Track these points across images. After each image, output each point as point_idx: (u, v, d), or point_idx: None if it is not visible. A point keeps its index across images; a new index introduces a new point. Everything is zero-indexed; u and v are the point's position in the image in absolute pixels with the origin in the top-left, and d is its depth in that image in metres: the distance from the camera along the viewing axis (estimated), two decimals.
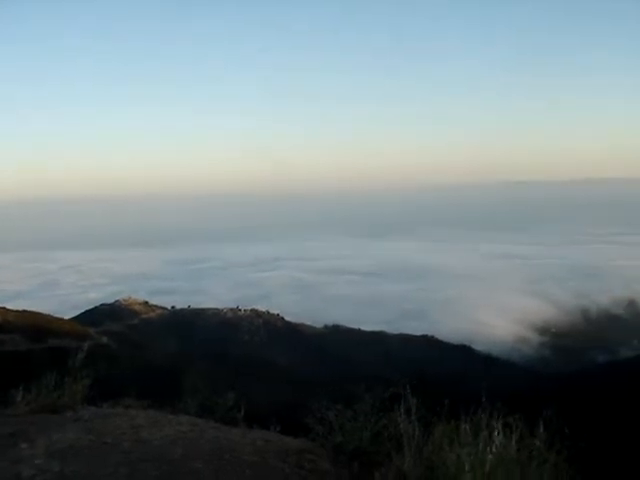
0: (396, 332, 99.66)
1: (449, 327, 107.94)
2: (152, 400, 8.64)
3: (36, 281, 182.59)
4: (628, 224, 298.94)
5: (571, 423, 5.78)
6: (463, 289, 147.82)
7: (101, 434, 6.14)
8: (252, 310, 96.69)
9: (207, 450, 5.78)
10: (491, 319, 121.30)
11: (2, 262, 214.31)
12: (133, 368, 49.87)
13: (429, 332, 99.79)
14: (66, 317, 74.08)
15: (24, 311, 61.31)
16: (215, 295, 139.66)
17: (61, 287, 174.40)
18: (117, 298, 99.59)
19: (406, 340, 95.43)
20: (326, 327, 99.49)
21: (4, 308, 59.34)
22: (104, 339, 63.90)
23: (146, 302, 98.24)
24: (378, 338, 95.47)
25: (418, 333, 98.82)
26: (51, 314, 66.73)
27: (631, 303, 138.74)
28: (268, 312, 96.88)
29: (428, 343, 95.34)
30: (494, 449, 5.07)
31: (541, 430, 5.12)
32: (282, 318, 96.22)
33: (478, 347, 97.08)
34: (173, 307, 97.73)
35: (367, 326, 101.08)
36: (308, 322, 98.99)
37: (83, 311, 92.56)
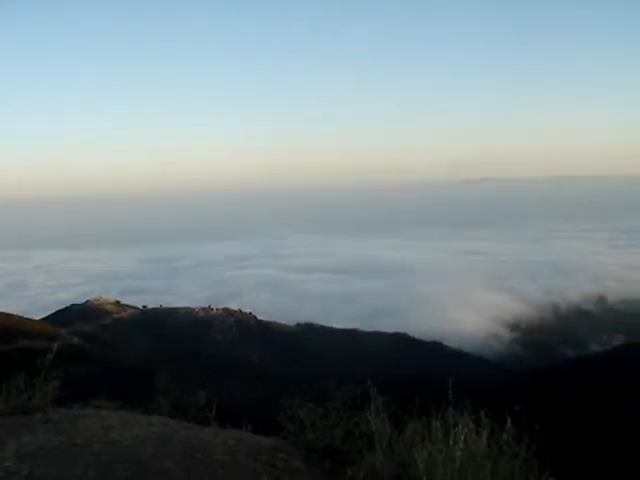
0: (369, 330, 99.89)
1: (421, 324, 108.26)
2: (124, 400, 8.60)
3: (6, 281, 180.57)
4: (597, 220, 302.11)
5: (541, 418, 5.82)
6: (435, 286, 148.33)
7: (71, 436, 6.09)
8: (224, 309, 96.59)
9: (178, 450, 5.75)
10: (462, 316, 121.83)
11: None
12: (104, 368, 49.55)
13: (401, 329, 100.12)
14: (37, 318, 73.49)
15: None
16: (187, 294, 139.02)
17: (31, 287, 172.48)
18: (88, 298, 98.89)
19: (379, 337, 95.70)
20: (298, 325, 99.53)
21: None
22: (75, 339, 63.40)
23: (117, 302, 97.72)
24: (351, 336, 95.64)
25: (390, 330, 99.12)
26: (21, 315, 66.08)
27: (601, 299, 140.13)
28: (240, 311, 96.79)
29: (400, 340, 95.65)
30: (464, 445, 5.10)
31: (511, 425, 5.15)
32: (254, 316, 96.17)
33: (450, 344, 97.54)
34: (145, 306, 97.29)
35: (339, 324, 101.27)
36: (281, 320, 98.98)
37: (54, 311, 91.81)
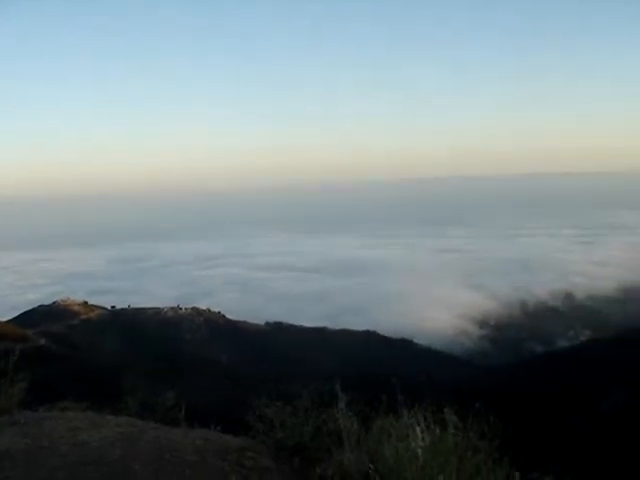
0: (338, 328, 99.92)
1: (391, 322, 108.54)
2: (91, 402, 8.54)
3: None
4: (564, 217, 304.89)
5: (507, 414, 5.89)
6: (404, 284, 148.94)
7: (38, 438, 6.06)
8: (193, 308, 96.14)
9: (147, 451, 5.74)
10: (432, 313, 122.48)
11: None
12: (72, 369, 49.21)
13: (370, 327, 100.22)
14: (5, 319, 72.68)
15: None
16: (156, 294, 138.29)
17: None
18: (56, 299, 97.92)
19: (348, 336, 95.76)
20: (268, 324, 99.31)
21: None
22: (42, 341, 62.81)
23: (85, 302, 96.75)
24: (320, 334, 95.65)
25: (360, 329, 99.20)
26: None
27: (568, 295, 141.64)
28: (209, 310, 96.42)
29: (370, 338, 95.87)
30: (430, 441, 5.14)
31: (477, 421, 5.20)
32: (223, 316, 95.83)
33: (419, 341, 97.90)
34: (113, 307, 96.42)
35: (309, 322, 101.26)
36: (250, 319, 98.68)
37: (21, 312, 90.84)
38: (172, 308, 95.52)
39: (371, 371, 56.53)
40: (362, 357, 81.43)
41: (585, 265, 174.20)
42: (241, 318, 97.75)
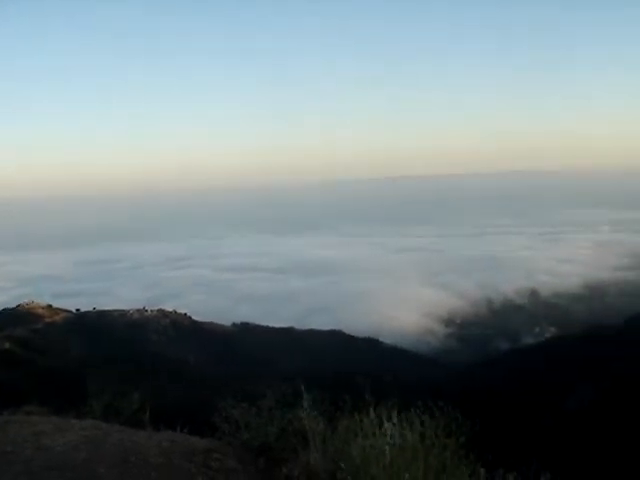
0: (305, 328, 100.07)
1: (357, 321, 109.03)
2: (56, 405, 8.45)
3: None
4: (530, 216, 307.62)
5: (474, 411, 5.94)
6: (370, 283, 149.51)
7: (1, 443, 5.98)
8: (159, 310, 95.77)
9: (111, 454, 5.70)
10: (398, 312, 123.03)
11: None
12: (36, 373, 48.82)
13: (337, 327, 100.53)
14: None
15: None
16: (124, 296, 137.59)
17: None
18: (20, 302, 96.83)
19: (314, 335, 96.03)
20: (234, 325, 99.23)
21: None
22: (6, 345, 62.24)
23: (50, 305, 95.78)
24: (287, 334, 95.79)
25: (326, 328, 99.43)
26: None
27: (533, 293, 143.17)
28: (175, 312, 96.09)
29: (336, 337, 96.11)
30: (395, 440, 5.17)
31: (442, 418, 5.23)
32: (189, 317, 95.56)
33: (385, 340, 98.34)
34: (78, 310, 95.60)
35: (276, 323, 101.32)
36: (217, 320, 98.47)
37: None
38: (138, 310, 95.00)
39: (337, 370, 56.70)
40: (329, 357, 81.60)
41: (549, 262, 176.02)
42: (208, 319, 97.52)
